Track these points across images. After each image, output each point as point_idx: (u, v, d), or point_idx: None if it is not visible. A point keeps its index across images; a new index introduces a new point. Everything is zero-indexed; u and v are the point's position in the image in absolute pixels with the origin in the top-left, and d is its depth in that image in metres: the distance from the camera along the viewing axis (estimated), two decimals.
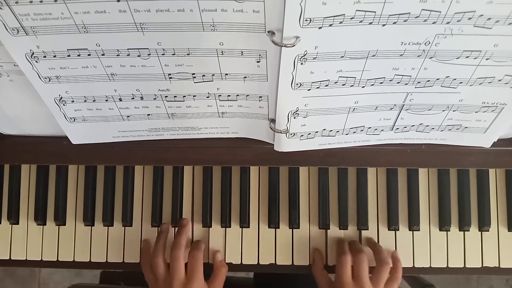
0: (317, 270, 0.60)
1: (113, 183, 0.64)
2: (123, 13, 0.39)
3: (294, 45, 0.40)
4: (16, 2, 0.38)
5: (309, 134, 0.53)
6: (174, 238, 0.60)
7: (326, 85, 0.46)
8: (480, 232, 0.62)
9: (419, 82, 0.47)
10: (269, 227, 0.63)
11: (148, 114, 0.53)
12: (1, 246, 0.64)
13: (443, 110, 0.51)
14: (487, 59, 0.44)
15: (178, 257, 0.57)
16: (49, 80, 0.47)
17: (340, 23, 0.39)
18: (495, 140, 0.55)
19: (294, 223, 0.62)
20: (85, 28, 0.41)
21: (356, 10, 0.38)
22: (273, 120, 0.51)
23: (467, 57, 0.44)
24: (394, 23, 0.40)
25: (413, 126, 0.54)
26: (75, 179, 0.65)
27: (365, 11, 0.38)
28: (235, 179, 0.64)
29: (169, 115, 0.53)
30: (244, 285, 0.85)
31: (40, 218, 0.64)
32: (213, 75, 0.47)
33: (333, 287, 0.57)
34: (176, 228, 0.63)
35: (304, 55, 0.42)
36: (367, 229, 0.62)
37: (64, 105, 0.50)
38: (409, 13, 0.39)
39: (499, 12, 0.39)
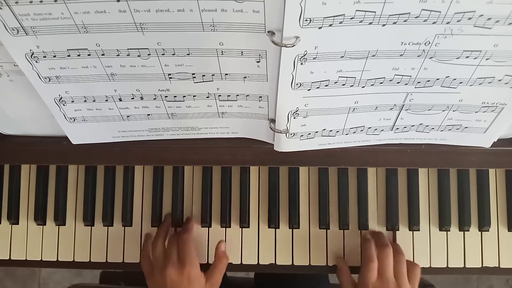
0: (343, 276, 0.59)
1: (113, 183, 0.64)
2: (123, 13, 0.39)
3: (294, 45, 0.40)
4: (16, 2, 0.38)
5: (309, 134, 0.53)
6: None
7: (326, 85, 0.46)
8: (480, 232, 0.62)
9: (419, 82, 0.47)
10: (269, 227, 0.63)
11: (148, 114, 0.53)
12: (1, 246, 0.64)
13: (443, 110, 0.51)
14: (487, 59, 0.44)
15: (174, 240, 0.58)
16: (49, 80, 0.47)
17: (340, 23, 0.39)
18: (495, 140, 0.55)
19: (294, 223, 0.62)
20: (85, 28, 0.41)
21: (356, 10, 0.38)
22: (273, 120, 0.51)
23: (467, 57, 0.44)
24: (394, 23, 0.40)
25: (413, 126, 0.54)
26: (75, 179, 0.65)
27: (365, 11, 0.38)
28: (235, 179, 0.64)
29: (169, 115, 0.53)
30: (244, 285, 0.85)
31: (40, 218, 0.64)
32: (213, 75, 0.47)
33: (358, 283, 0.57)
34: (176, 229, 0.63)
35: (304, 55, 0.42)
36: (367, 229, 0.62)
37: (64, 105, 0.50)
38: (409, 13, 0.39)
39: (499, 12, 0.39)
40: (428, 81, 0.47)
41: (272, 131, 0.52)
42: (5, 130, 0.58)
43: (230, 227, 0.63)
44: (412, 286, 0.56)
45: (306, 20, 0.38)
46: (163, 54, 0.44)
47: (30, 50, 0.43)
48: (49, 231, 0.64)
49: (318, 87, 0.46)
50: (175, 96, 0.50)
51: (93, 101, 0.50)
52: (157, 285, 0.56)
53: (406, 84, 0.47)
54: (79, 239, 0.64)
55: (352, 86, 0.47)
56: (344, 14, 0.38)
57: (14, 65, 0.45)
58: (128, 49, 0.44)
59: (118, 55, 0.44)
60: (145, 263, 0.59)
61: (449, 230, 0.62)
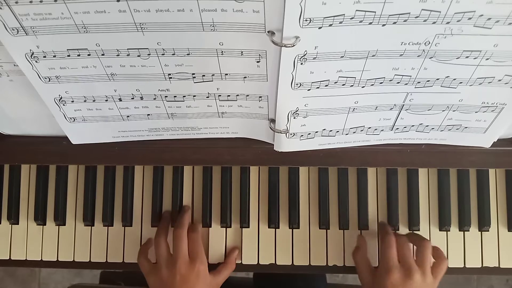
0: (359, 255, 0.59)
1: (113, 183, 0.64)
2: (123, 13, 0.39)
3: (294, 45, 0.40)
4: (16, 2, 0.38)
5: (309, 134, 0.53)
6: (177, 219, 0.61)
7: (326, 85, 0.46)
8: (480, 232, 0.62)
9: (419, 82, 0.47)
10: (269, 227, 0.63)
11: (148, 114, 0.53)
12: (1, 246, 0.64)
13: (443, 110, 0.51)
14: (487, 59, 0.44)
15: (181, 236, 0.58)
16: (49, 80, 0.47)
17: (340, 23, 0.39)
18: (495, 140, 0.55)
19: (294, 223, 0.62)
20: (85, 28, 0.41)
21: (356, 10, 0.38)
22: (273, 120, 0.51)
23: (467, 57, 0.44)
24: (394, 23, 0.40)
25: (413, 126, 0.54)
26: (75, 179, 0.65)
27: (365, 11, 0.38)
28: (235, 179, 0.64)
29: (169, 115, 0.53)
30: (244, 285, 0.85)
31: (40, 218, 0.64)
32: (213, 75, 0.47)
33: (377, 272, 0.56)
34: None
35: (304, 55, 0.42)
36: (368, 229, 0.62)
37: (64, 105, 0.50)
38: (409, 13, 0.39)
39: (499, 12, 0.39)
40: (428, 81, 0.47)
41: (272, 131, 0.52)
42: (5, 130, 0.58)
43: (230, 227, 0.63)
44: (436, 276, 0.55)
45: (306, 20, 0.38)
46: (163, 54, 0.44)
47: (30, 50, 0.43)
48: (49, 231, 0.64)
49: (318, 87, 0.46)
50: (175, 96, 0.50)
51: (93, 101, 0.50)
52: (163, 281, 0.56)
53: (406, 84, 0.47)
54: (79, 239, 0.64)
55: (352, 86, 0.47)
56: (344, 14, 0.38)
57: (14, 65, 0.45)
58: (128, 49, 0.44)
59: (118, 55, 0.44)
60: (144, 261, 0.59)
61: (449, 230, 0.62)
